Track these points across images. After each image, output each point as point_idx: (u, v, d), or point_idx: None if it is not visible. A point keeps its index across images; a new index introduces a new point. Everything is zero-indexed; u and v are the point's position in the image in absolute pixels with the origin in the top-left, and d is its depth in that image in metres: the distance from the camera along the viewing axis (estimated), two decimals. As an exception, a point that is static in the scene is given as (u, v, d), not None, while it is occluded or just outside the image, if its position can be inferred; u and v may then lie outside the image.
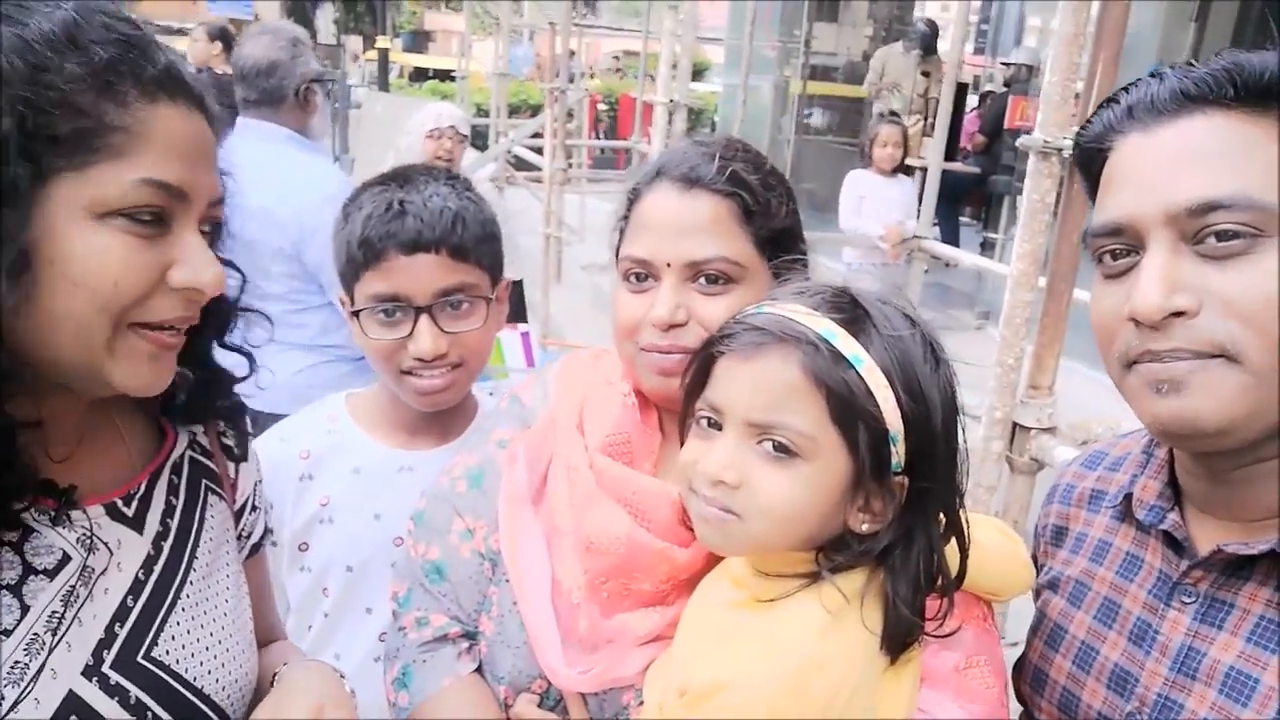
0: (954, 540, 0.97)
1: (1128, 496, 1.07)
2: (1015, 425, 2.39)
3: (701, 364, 0.99)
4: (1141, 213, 0.88)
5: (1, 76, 0.75)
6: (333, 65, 15.13)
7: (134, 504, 0.97)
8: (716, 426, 0.96)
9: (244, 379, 1.11)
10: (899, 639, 0.93)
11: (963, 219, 9.97)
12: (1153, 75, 0.93)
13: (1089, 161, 0.99)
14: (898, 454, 0.92)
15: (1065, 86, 2.10)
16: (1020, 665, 1.15)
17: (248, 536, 1.16)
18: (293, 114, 2.94)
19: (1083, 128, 1.00)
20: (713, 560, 1.05)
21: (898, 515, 0.94)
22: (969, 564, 0.98)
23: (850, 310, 0.94)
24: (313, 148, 3.01)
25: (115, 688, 0.90)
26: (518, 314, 4.39)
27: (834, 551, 0.95)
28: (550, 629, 1.08)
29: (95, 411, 0.96)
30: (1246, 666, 0.89)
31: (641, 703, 1.06)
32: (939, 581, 0.95)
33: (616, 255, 1.18)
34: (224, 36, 5.90)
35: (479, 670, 1.16)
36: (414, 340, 1.42)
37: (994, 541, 1.05)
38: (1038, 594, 1.17)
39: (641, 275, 1.13)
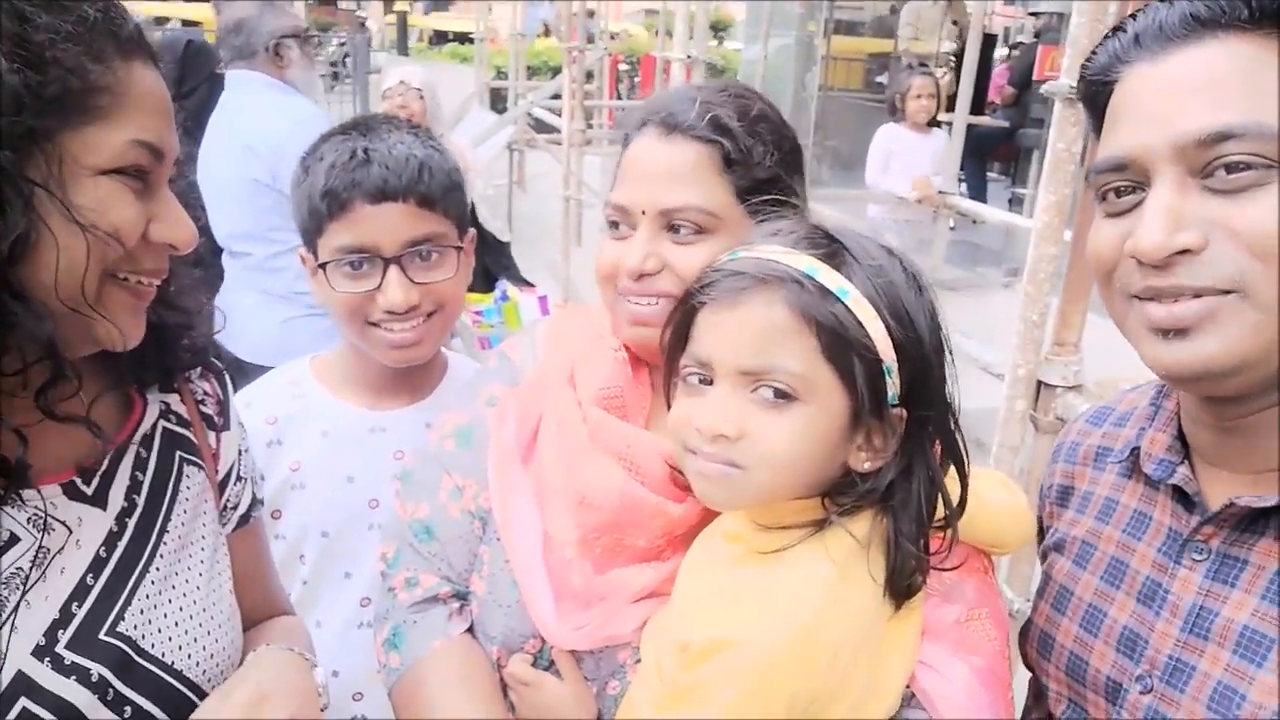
0: (953, 469, 0.95)
1: (1134, 451, 1.02)
2: (1040, 383, 2.32)
3: (682, 318, 0.96)
4: (1147, 146, 0.83)
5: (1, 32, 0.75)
6: (353, 30, 15.06)
7: (94, 480, 0.94)
8: (706, 381, 0.93)
9: (211, 333, 1.09)
10: (903, 581, 0.91)
11: (991, 174, 9.78)
12: (1162, 0, 0.86)
13: (1095, 96, 0.93)
14: (894, 385, 0.90)
15: (1094, 29, 1.99)
16: (1026, 629, 1.11)
17: (233, 508, 1.13)
18: (267, 69, 3.06)
19: (1088, 60, 0.94)
20: (708, 515, 1.02)
21: (898, 448, 0.91)
22: (970, 516, 0.95)
23: (827, 245, 0.92)
24: (289, 90, 3.10)
25: (71, 666, 0.88)
26: (514, 275, 4.40)
27: (838, 494, 0.92)
28: (543, 585, 1.06)
29: (63, 385, 0.91)
30: (1261, 625, 0.84)
31: (638, 661, 1.03)
32: (943, 511, 0.93)
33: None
34: None
35: (470, 631, 1.14)
36: (384, 292, 1.37)
37: (994, 494, 1.02)
38: (1044, 557, 1.13)
39: (618, 223, 1.11)
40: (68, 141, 0.79)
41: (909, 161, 5.52)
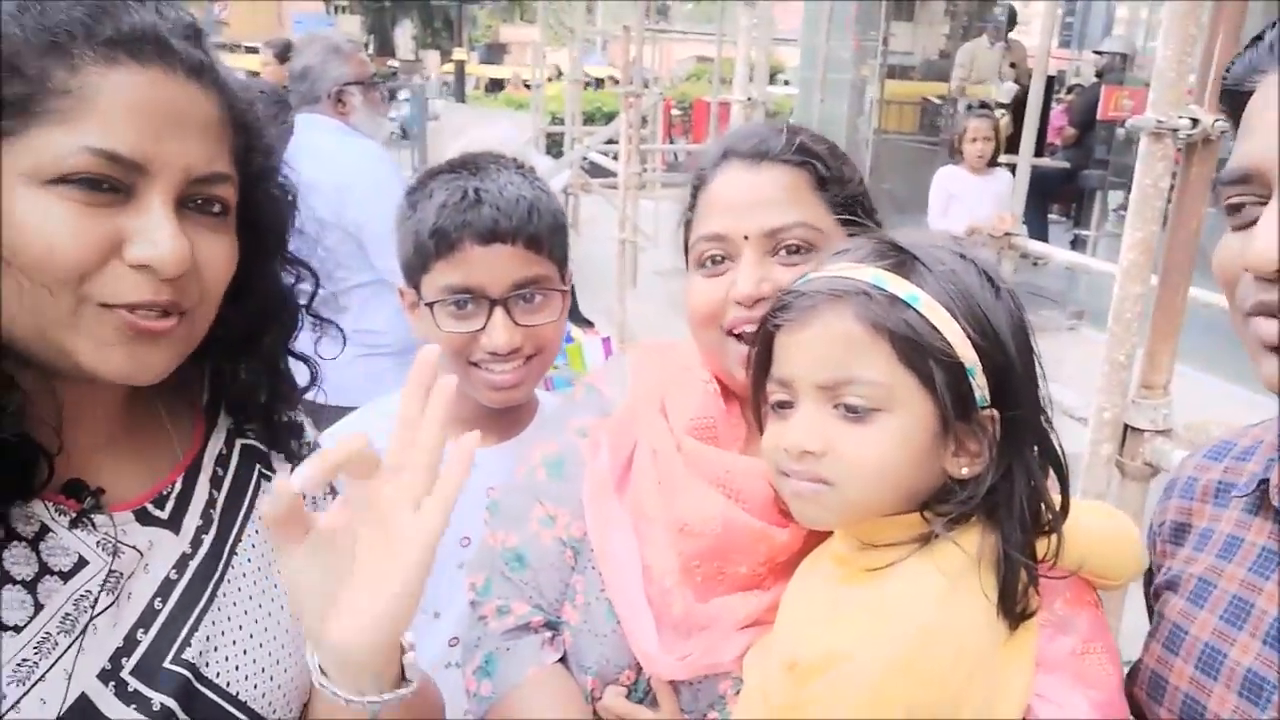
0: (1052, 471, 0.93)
1: (1262, 484, 0.98)
2: (1126, 427, 2.24)
3: (761, 345, 0.97)
4: (1269, 158, 0.81)
5: None
6: (414, 80, 15.47)
7: (169, 504, 0.92)
8: (790, 403, 0.93)
9: (306, 389, 1.08)
10: (1016, 597, 0.88)
11: (1051, 215, 9.65)
12: None
13: (1234, 107, 0.91)
14: (979, 387, 0.89)
15: (1180, 61, 1.95)
16: (1134, 672, 1.06)
17: None
18: (330, 114, 3.16)
19: (1228, 69, 0.92)
20: (812, 541, 1.01)
21: (994, 452, 0.90)
22: (1077, 547, 0.93)
23: (896, 255, 0.92)
24: (352, 131, 3.20)
25: (133, 695, 0.85)
26: (576, 314, 4.41)
27: (937, 505, 0.91)
28: (645, 614, 1.05)
29: (134, 406, 0.92)
30: None
31: (738, 691, 1.02)
32: (1046, 515, 0.91)
33: (686, 248, 1.14)
34: (283, 51, 6.13)
35: (563, 661, 1.13)
36: (488, 333, 1.37)
37: (1101, 523, 0.99)
38: (1156, 597, 1.08)
39: (718, 257, 1.09)
40: (11, 149, 0.74)
41: (969, 203, 5.47)
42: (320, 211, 2.95)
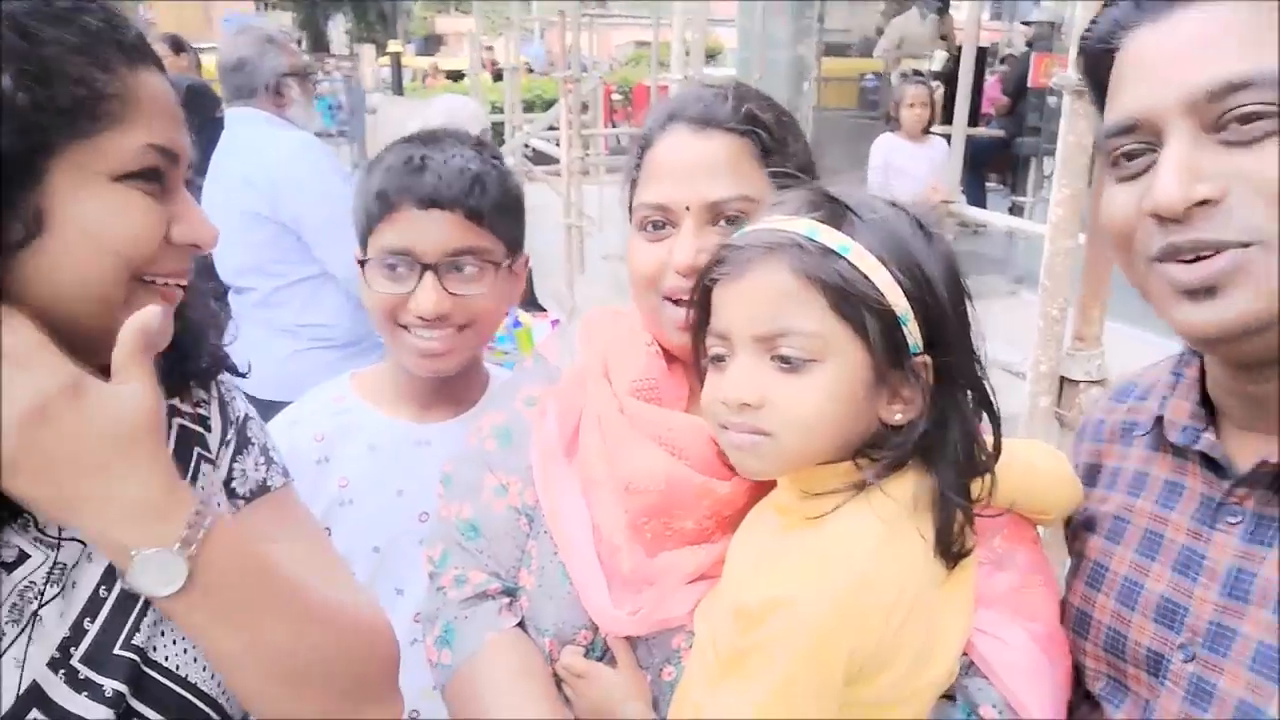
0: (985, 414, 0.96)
1: (1159, 421, 1.02)
2: (1063, 380, 2.31)
3: (700, 300, 0.98)
4: (1157, 104, 0.84)
5: (2, 50, 0.76)
6: (348, 75, 15.21)
7: None
8: (728, 356, 0.94)
9: (218, 343, 1.08)
10: (952, 537, 0.91)
11: (989, 184, 9.82)
12: None
13: (1096, 66, 0.94)
14: (911, 334, 0.90)
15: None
16: (1060, 610, 1.10)
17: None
18: (265, 106, 3.09)
19: (1088, 31, 0.95)
20: (755, 494, 1.03)
21: (928, 398, 0.92)
22: (1016, 487, 0.96)
23: (829, 206, 0.93)
24: (286, 124, 3.14)
25: (84, 682, 0.85)
26: (530, 297, 4.42)
27: (872, 451, 0.93)
28: (595, 572, 1.06)
29: None
30: None
31: (692, 645, 1.03)
32: (980, 457, 0.93)
33: (630, 208, 1.14)
34: (176, 45, 5.99)
35: (521, 625, 1.14)
36: (416, 297, 1.39)
37: (1035, 461, 1.03)
38: (1075, 537, 1.12)
39: (660, 223, 1.10)
40: (80, 151, 0.80)
41: (908, 170, 5.55)
42: (255, 206, 2.92)
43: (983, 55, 9.88)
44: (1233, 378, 0.92)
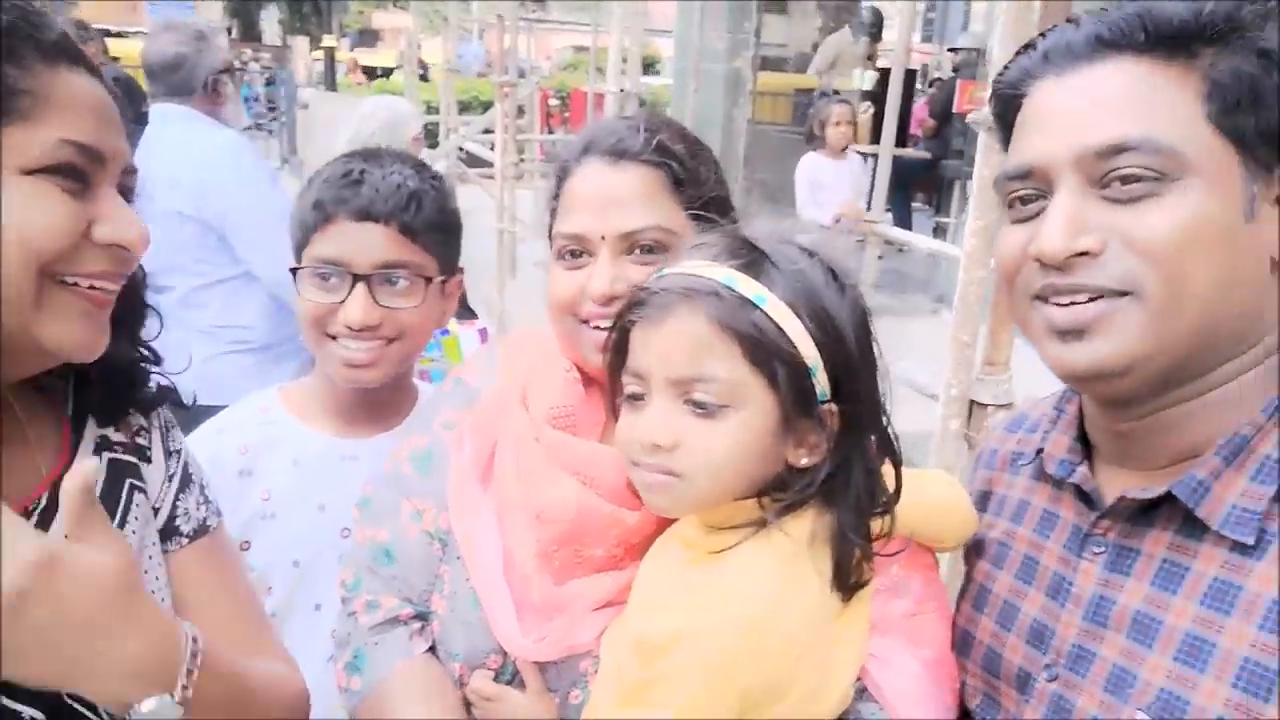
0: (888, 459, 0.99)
1: (1040, 453, 1.09)
2: (972, 403, 2.39)
3: (618, 338, 1.00)
4: (1051, 155, 0.90)
5: None
6: (279, 67, 14.92)
7: (33, 519, 0.91)
8: (643, 395, 0.97)
9: (154, 361, 1.09)
10: (850, 572, 0.95)
11: (915, 204, 10.06)
12: (1069, 21, 0.94)
13: (1005, 110, 1.00)
14: (820, 384, 0.94)
15: (1012, 61, 2.09)
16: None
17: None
18: (203, 105, 3.06)
19: (1000, 75, 1.01)
20: (663, 523, 1.06)
21: (833, 443, 0.95)
22: (912, 513, 1.00)
23: (748, 254, 0.96)
24: (212, 123, 3.11)
25: (10, 713, 0.85)
26: (465, 308, 4.38)
27: (777, 492, 0.96)
28: (504, 599, 1.08)
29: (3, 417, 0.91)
30: (1150, 609, 0.90)
31: (599, 669, 1.05)
32: (880, 500, 0.97)
33: (550, 236, 1.17)
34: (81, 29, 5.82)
35: (433, 650, 1.15)
36: (345, 307, 1.41)
37: (938, 492, 1.08)
38: (967, 560, 1.18)
39: (576, 252, 1.13)
40: None
41: (832, 187, 5.68)
42: (179, 205, 2.87)
43: (912, 77, 10.15)
44: (1102, 414, 0.99)
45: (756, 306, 0.93)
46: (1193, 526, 0.89)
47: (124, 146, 0.90)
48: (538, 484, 1.09)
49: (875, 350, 0.99)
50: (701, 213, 1.12)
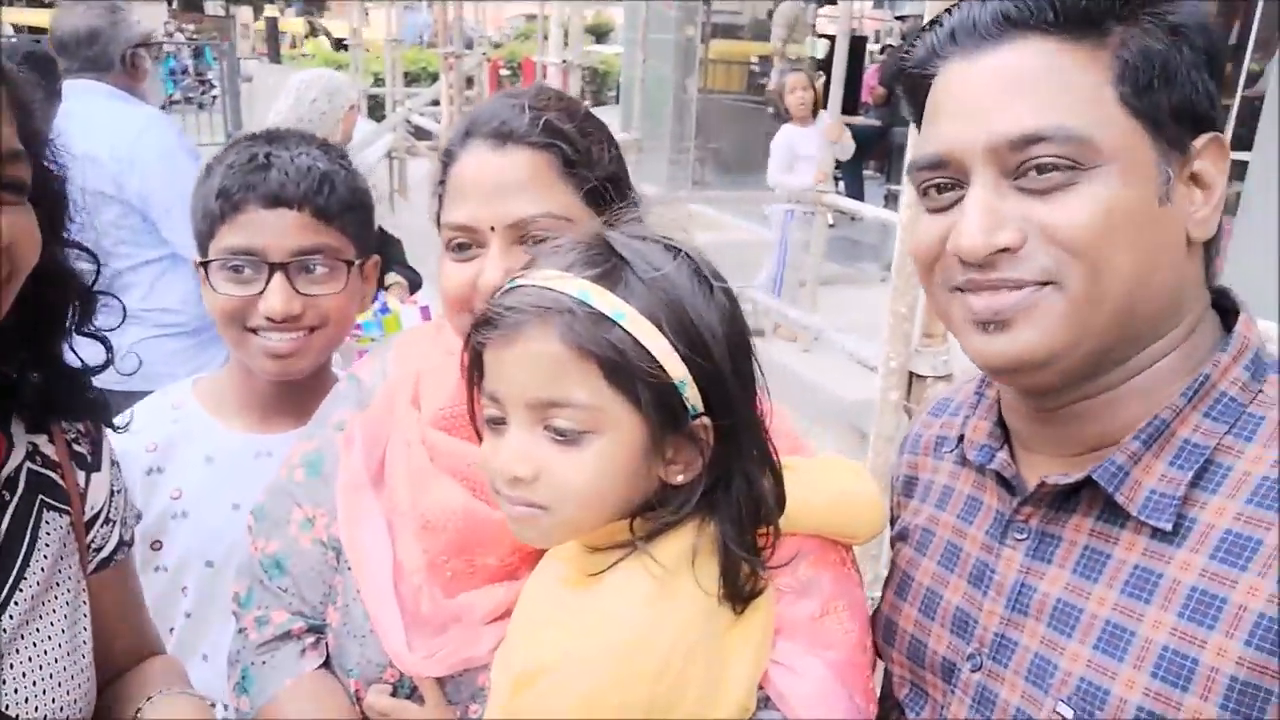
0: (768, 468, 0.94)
1: (960, 438, 1.06)
2: (911, 375, 2.39)
3: (473, 355, 0.93)
4: (964, 145, 0.86)
5: None
6: (221, 37, 14.54)
7: None
8: (502, 420, 0.90)
9: (100, 369, 1.05)
10: (738, 586, 0.90)
11: (866, 172, 10.08)
12: None
13: (914, 89, 0.95)
14: (691, 399, 0.88)
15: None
16: (874, 618, 1.14)
17: (97, 550, 1.07)
18: (120, 80, 2.95)
19: (905, 52, 0.96)
20: None
21: (709, 458, 0.90)
22: (818, 509, 0.97)
23: (605, 261, 0.89)
24: (131, 99, 3.01)
25: None
26: (406, 268, 4.31)
27: (650, 511, 0.91)
28: (392, 614, 1.02)
29: None
30: (1071, 597, 0.88)
31: None
32: (762, 513, 0.92)
33: (438, 224, 1.10)
34: None
35: (328, 664, 1.10)
36: (265, 298, 1.35)
37: (844, 483, 1.03)
38: (893, 547, 1.15)
39: (465, 244, 1.05)
40: None
41: (809, 155, 5.74)
42: (99, 185, 2.76)
43: (861, 44, 10.11)
44: (1021, 402, 0.96)
45: (614, 323, 0.85)
46: (1114, 513, 0.87)
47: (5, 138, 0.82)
48: (423, 490, 1.03)
49: (750, 355, 0.93)
50: (599, 196, 1.06)
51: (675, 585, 0.88)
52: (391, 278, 3.97)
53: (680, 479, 0.90)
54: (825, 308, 5.66)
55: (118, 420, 1.46)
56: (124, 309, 1.08)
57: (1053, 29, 0.84)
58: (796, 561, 0.96)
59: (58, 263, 0.98)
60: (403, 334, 1.25)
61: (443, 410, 1.07)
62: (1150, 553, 0.84)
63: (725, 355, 0.89)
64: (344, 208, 1.39)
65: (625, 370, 0.85)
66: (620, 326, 0.85)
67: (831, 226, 6.48)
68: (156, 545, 1.44)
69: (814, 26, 9.31)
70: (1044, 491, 0.92)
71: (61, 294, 0.98)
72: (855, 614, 0.99)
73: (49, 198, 0.95)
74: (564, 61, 4.49)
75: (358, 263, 1.43)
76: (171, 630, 1.46)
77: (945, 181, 0.89)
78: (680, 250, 0.90)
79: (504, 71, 14.88)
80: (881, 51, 11.60)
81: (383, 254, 4.89)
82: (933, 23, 0.93)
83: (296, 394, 1.45)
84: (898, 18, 10.36)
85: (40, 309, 0.95)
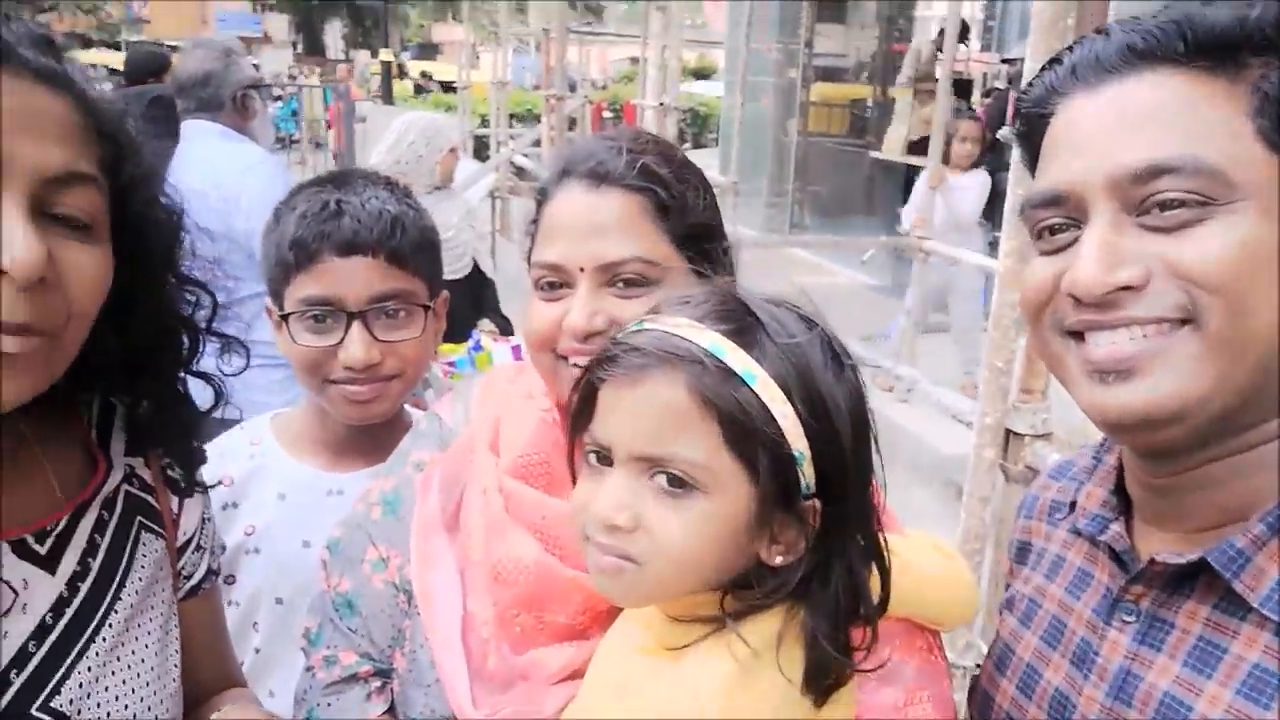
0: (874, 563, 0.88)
1: (1073, 505, 0.99)
2: (1009, 432, 2.29)
3: (585, 393, 0.89)
4: (1083, 179, 0.81)
5: None
6: (338, 80, 15.21)
7: (49, 541, 0.90)
8: (606, 462, 0.86)
9: (210, 411, 1.06)
10: (824, 680, 0.84)
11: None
12: (1098, 32, 0.85)
13: (1031, 130, 0.90)
14: (805, 476, 0.83)
15: (1047, 74, 1.99)
16: (971, 691, 1.08)
17: (187, 577, 1.09)
18: (231, 120, 3.11)
19: (1024, 92, 0.92)
20: None
21: (812, 543, 0.84)
22: (908, 593, 0.90)
23: (739, 318, 0.85)
24: (241, 138, 3.16)
25: None
26: (496, 312, 4.38)
27: (743, 590, 0.85)
28: (459, 666, 1.00)
29: (10, 437, 0.89)
30: (1180, 692, 0.80)
31: None
32: (861, 610, 0.86)
33: (529, 263, 1.09)
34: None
35: (393, 710, 1.08)
36: (345, 348, 1.36)
37: (933, 564, 0.97)
38: (999, 614, 1.09)
39: (555, 283, 1.04)
40: None
41: (951, 204, 5.75)
42: (206, 220, 2.89)
43: (967, 88, 9.93)
44: (1141, 468, 0.89)
45: (744, 382, 0.81)
46: (1233, 602, 0.79)
47: (41, 154, 0.79)
48: (498, 539, 1.01)
49: (871, 442, 0.88)
50: (690, 243, 1.04)
51: (758, 671, 0.83)
52: (484, 325, 4.05)
53: (779, 560, 0.85)
54: (924, 356, 5.52)
55: (210, 445, 1.52)
56: (248, 352, 1.10)
57: (1182, 61, 0.79)
58: (881, 645, 0.89)
59: (168, 298, 1.00)
60: (486, 375, 1.24)
61: (521, 459, 1.06)
62: (1272, 651, 0.76)
63: (848, 436, 0.84)
64: (416, 249, 1.40)
65: (747, 433, 0.81)
66: (749, 387, 0.81)
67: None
68: (230, 580, 1.46)
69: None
70: (1155, 571, 0.84)
71: (171, 329, 1.01)
72: (940, 706, 0.94)
73: (162, 234, 0.98)
74: (661, 104, 4.52)
75: (431, 306, 1.44)
76: (241, 665, 1.48)
77: (1062, 222, 0.84)
78: (815, 322, 0.87)
79: (607, 114, 15.15)
80: (987, 95, 11.37)
81: (478, 296, 4.98)
82: (1052, 61, 0.88)
83: (370, 433, 1.46)
84: (1005, 61, 10.11)
85: (148, 342, 0.97)
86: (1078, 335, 0.83)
